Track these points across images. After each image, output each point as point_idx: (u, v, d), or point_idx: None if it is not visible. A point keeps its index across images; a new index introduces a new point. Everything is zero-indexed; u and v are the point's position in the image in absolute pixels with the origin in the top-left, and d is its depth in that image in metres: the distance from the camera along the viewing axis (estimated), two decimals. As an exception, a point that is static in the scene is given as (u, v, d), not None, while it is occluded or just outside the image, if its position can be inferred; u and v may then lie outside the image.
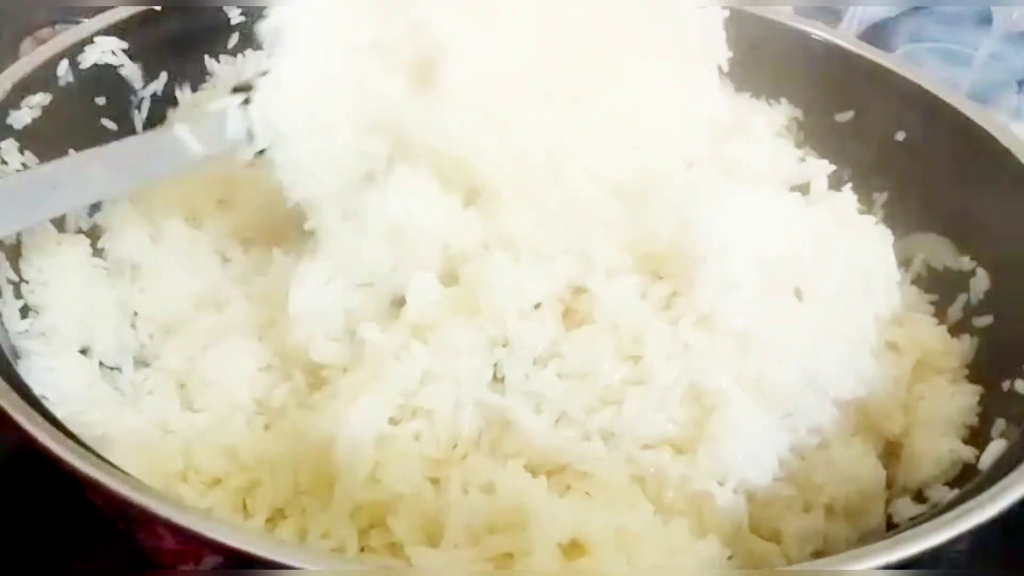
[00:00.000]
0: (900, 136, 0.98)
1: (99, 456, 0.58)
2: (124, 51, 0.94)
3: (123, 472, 0.57)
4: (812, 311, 0.77)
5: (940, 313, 0.91)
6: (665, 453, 0.70)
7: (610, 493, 0.69)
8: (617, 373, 0.72)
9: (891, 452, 0.82)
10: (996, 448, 0.74)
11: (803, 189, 0.94)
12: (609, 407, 0.72)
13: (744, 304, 0.73)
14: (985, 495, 0.62)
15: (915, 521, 0.65)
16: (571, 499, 0.69)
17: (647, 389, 0.71)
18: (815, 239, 0.79)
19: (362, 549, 0.67)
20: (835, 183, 0.97)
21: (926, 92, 0.98)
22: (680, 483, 0.70)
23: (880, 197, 1.00)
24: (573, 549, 0.64)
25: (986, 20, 1.34)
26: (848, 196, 0.94)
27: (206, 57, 1.01)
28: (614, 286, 0.74)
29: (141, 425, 0.75)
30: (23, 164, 0.82)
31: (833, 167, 0.97)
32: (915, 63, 1.32)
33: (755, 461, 0.70)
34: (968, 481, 0.74)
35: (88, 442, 0.61)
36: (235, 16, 1.02)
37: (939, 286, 0.93)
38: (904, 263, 0.93)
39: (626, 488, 0.70)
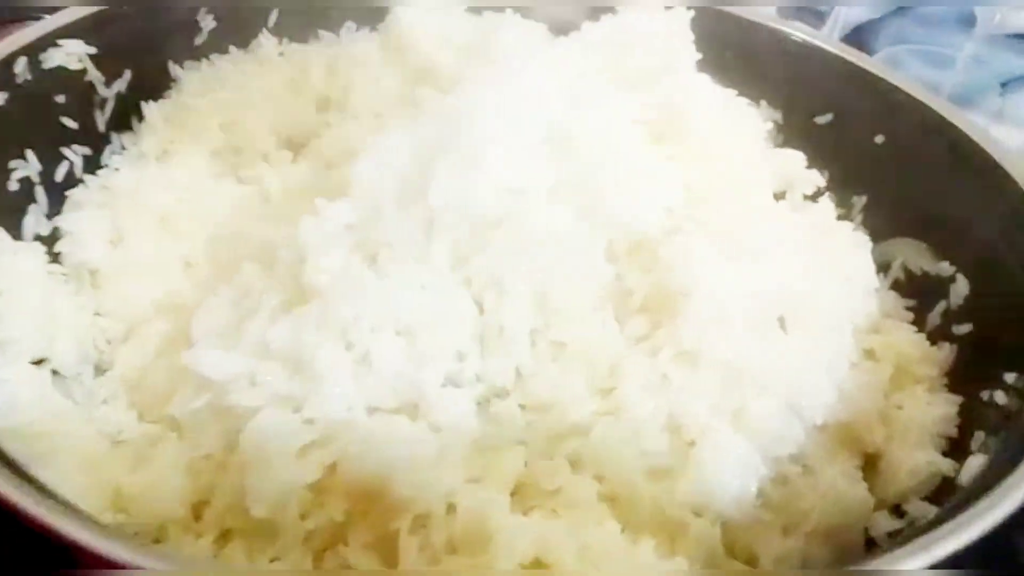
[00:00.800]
0: (879, 139, 0.97)
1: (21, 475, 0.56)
2: (88, 52, 0.91)
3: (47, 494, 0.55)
4: (796, 340, 0.75)
5: (919, 320, 0.89)
6: (638, 476, 0.68)
7: (577, 512, 0.66)
8: (587, 407, 0.70)
9: (869, 464, 0.80)
10: (976, 463, 0.72)
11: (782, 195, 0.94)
12: (577, 438, 0.70)
13: (730, 338, 0.71)
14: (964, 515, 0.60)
15: (895, 539, 0.63)
16: (535, 517, 0.66)
17: (618, 420, 0.69)
18: (800, 262, 0.78)
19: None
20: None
21: (906, 95, 0.96)
22: (652, 506, 0.68)
23: (859, 201, 0.99)
24: (536, 568, 0.62)
25: (968, 22, 1.32)
26: (827, 204, 0.93)
27: (170, 63, 0.99)
28: (591, 318, 0.72)
29: (90, 437, 0.72)
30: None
31: (822, 177, 0.95)
32: (897, 65, 1.31)
33: (735, 494, 0.68)
34: (947, 495, 0.73)
35: (34, 455, 0.59)
36: (204, 19, 0.99)
37: (918, 292, 0.91)
38: (883, 268, 0.92)
39: (594, 506, 0.67)
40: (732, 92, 0.94)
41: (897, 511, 0.76)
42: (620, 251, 0.74)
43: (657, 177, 0.76)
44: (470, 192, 0.69)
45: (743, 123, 0.92)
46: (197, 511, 0.69)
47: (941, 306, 0.88)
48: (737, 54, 1.01)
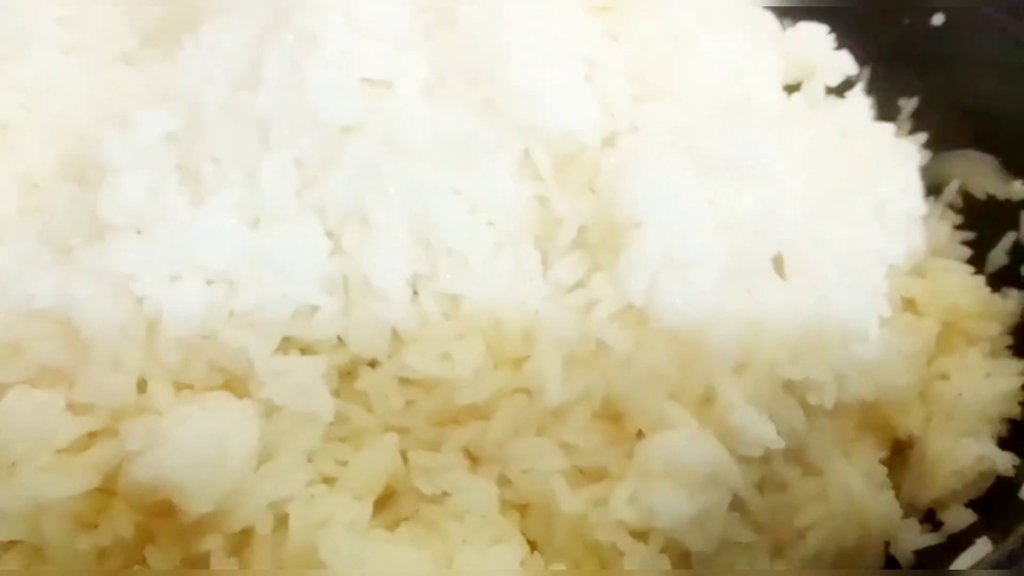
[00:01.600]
0: (938, 19, 0.78)
1: None
2: None
3: None
4: (797, 289, 0.56)
5: (978, 258, 0.74)
6: (556, 479, 0.51)
7: (468, 526, 0.50)
8: (488, 383, 0.52)
9: (897, 454, 0.64)
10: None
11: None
12: (469, 425, 0.53)
13: (696, 287, 0.52)
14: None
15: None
16: (402, 533, 0.50)
17: (532, 401, 0.52)
18: (809, 180, 0.59)
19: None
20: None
21: None
22: (575, 522, 0.51)
23: (908, 103, 0.81)
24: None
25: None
26: (859, 99, 0.74)
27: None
28: (495, 259, 0.53)
29: None
30: None
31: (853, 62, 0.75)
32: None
33: (695, 510, 0.50)
34: (1001, 505, 0.58)
35: None
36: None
37: (979, 221, 0.76)
38: (933, 190, 0.76)
39: (493, 519, 0.51)
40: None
41: (930, 518, 0.62)
42: (544, 166, 0.55)
43: (591, 62, 0.56)
44: (311, 86, 0.51)
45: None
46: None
47: (1009, 240, 0.73)
48: None
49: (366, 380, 0.53)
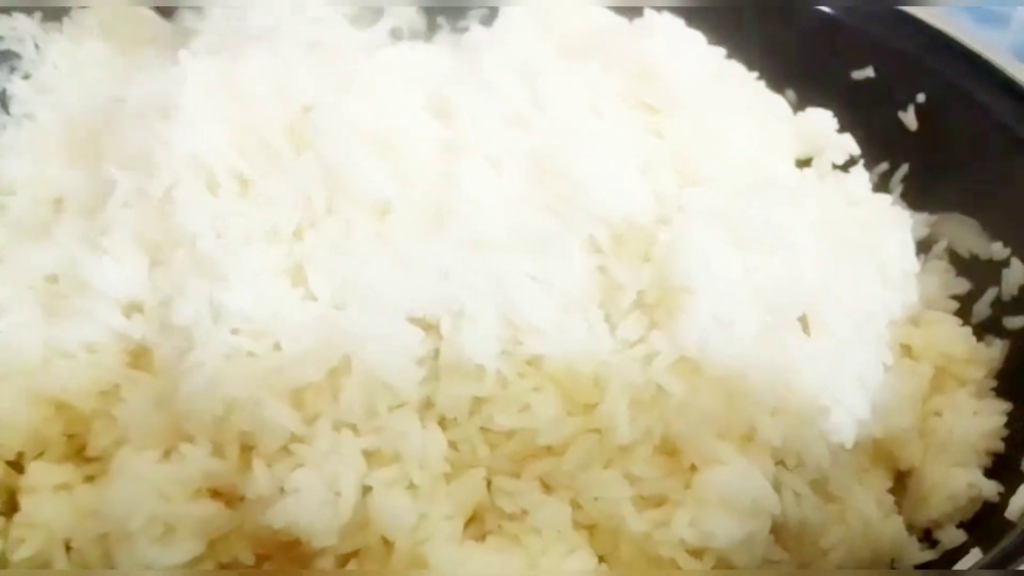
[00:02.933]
0: (921, 98, 0.85)
1: None
2: None
3: None
4: (821, 344, 0.64)
5: (964, 310, 0.79)
6: (623, 504, 0.58)
7: (544, 540, 0.57)
8: (562, 431, 0.59)
9: (898, 481, 0.71)
10: (1029, 492, 0.61)
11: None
12: (545, 459, 0.59)
13: (740, 343, 0.60)
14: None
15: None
16: (490, 543, 0.57)
17: (602, 439, 0.59)
18: (826, 247, 0.66)
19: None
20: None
21: (956, 43, 0.84)
22: (639, 541, 0.58)
23: (899, 171, 0.87)
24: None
25: (1028, -23, 1.18)
26: (861, 174, 0.81)
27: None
28: (567, 322, 0.61)
29: None
30: None
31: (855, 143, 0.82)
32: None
33: (743, 535, 0.58)
34: (988, 525, 0.65)
35: None
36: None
37: (965, 277, 0.81)
38: (923, 248, 0.82)
39: (567, 534, 0.58)
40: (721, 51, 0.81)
41: (927, 536, 0.69)
42: (605, 243, 0.63)
43: (642, 158, 0.65)
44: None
45: (744, 87, 0.80)
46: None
47: (991, 294, 0.78)
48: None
49: (452, 432, 0.59)
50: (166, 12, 0.89)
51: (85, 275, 0.62)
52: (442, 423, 0.60)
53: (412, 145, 0.62)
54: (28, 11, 0.85)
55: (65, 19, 0.87)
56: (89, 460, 0.62)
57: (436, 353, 0.59)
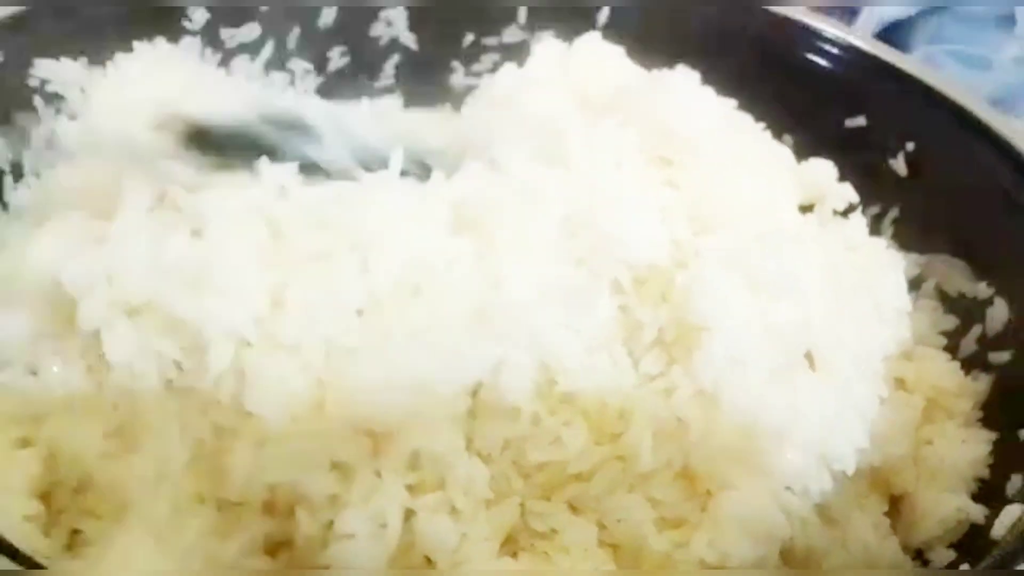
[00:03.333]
0: (911, 146, 0.90)
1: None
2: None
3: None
4: (825, 380, 0.69)
5: (952, 346, 0.84)
6: (645, 525, 0.63)
7: (572, 557, 0.61)
8: (590, 459, 0.63)
9: (893, 505, 0.75)
10: (1012, 513, 0.66)
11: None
12: (575, 484, 0.64)
13: (752, 379, 0.65)
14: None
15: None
16: (523, 559, 0.62)
17: (626, 465, 0.63)
18: (828, 289, 0.71)
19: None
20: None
21: (942, 96, 0.89)
22: (660, 559, 0.62)
23: (890, 213, 0.92)
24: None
25: (1008, 22, 1.24)
26: (859, 220, 0.86)
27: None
28: (594, 359, 0.66)
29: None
30: None
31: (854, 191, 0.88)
32: (932, 66, 1.23)
33: (756, 554, 0.62)
34: (975, 545, 0.68)
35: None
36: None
37: (953, 314, 0.86)
38: (913, 287, 0.86)
39: (593, 551, 0.62)
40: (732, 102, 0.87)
41: (919, 556, 0.72)
42: (627, 286, 0.68)
43: (660, 208, 0.70)
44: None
45: (752, 138, 0.85)
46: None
47: (976, 331, 0.82)
48: (764, 48, 0.93)
49: (488, 465, 0.63)
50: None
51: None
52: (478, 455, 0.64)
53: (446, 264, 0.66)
54: (74, 56, 0.90)
55: (108, 63, 0.92)
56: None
57: (474, 391, 0.64)
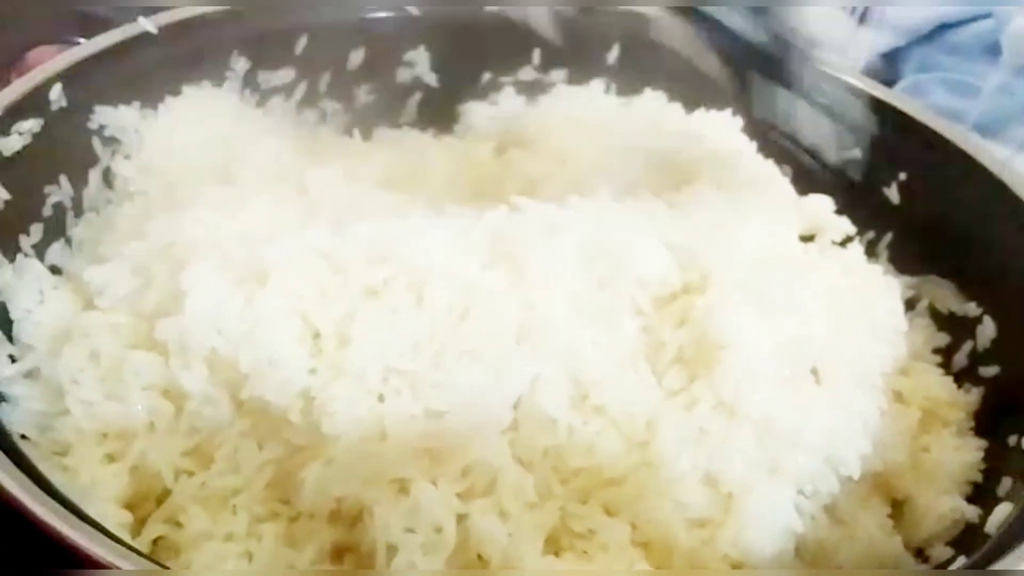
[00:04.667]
0: (903, 176, 0.96)
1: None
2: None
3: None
4: (830, 392, 0.75)
5: (946, 361, 0.89)
6: (674, 525, 0.69)
7: (608, 555, 0.67)
8: (623, 464, 0.70)
9: (895, 508, 0.81)
10: (1003, 511, 0.72)
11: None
12: (611, 488, 0.70)
13: (765, 391, 0.71)
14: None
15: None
16: (567, 558, 0.68)
17: (654, 472, 0.69)
18: (831, 311, 0.78)
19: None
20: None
21: (925, 128, 0.96)
22: (689, 554, 0.68)
23: (885, 238, 0.98)
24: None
25: (995, 51, 1.31)
26: (857, 248, 0.92)
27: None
28: (625, 377, 0.72)
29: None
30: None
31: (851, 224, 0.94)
32: (921, 93, 1.30)
33: (775, 549, 0.68)
34: (971, 541, 0.73)
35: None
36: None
37: (945, 332, 0.91)
38: (908, 306, 0.91)
39: (626, 550, 0.68)
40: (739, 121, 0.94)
41: (919, 554, 0.76)
42: (645, 305, 0.75)
43: (667, 240, 0.77)
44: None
45: (755, 164, 0.93)
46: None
47: (968, 347, 0.87)
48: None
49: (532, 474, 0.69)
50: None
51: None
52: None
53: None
54: (127, 101, 0.97)
55: (160, 106, 0.98)
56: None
57: (515, 405, 0.70)
